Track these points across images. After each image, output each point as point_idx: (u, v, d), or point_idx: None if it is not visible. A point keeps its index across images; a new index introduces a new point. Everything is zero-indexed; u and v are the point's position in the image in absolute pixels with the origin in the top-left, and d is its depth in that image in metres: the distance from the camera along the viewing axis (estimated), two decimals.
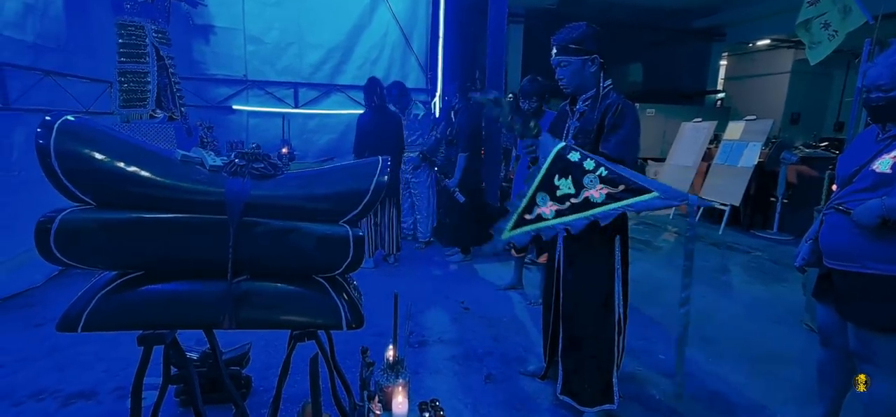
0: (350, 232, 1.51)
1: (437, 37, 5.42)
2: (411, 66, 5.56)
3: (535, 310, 3.07)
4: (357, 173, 1.59)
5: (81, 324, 1.37)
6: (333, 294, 1.57)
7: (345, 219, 1.54)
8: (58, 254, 1.30)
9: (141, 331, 1.49)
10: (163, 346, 1.57)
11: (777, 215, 5.68)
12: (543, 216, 1.77)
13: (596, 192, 1.68)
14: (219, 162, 1.52)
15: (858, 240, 1.56)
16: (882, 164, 1.54)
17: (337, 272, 1.54)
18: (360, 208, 1.54)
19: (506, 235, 1.86)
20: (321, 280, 1.57)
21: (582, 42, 1.80)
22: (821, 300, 1.82)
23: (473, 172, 4.26)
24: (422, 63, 5.56)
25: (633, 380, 2.34)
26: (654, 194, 1.63)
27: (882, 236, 1.51)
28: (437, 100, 5.48)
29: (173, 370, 1.76)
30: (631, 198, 1.65)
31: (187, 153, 1.50)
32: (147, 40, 3.66)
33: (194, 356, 1.96)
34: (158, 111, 3.78)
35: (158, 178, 1.38)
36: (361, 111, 4.09)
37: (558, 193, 1.74)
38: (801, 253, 1.84)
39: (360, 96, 5.28)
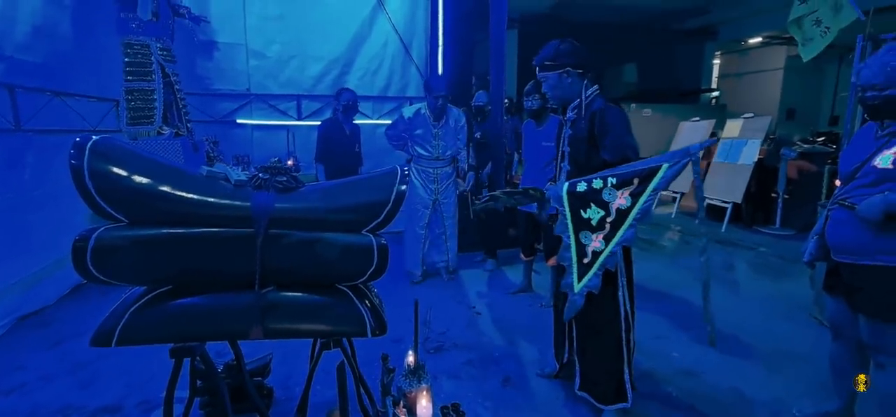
0: (374, 241, 1.54)
1: (437, 45, 5.48)
2: (412, 75, 5.61)
3: (546, 312, 3.10)
4: (377, 184, 1.62)
5: (115, 339, 1.40)
6: (357, 302, 1.60)
7: (367, 229, 1.58)
8: (94, 272, 1.33)
9: (171, 344, 1.52)
10: (190, 359, 1.60)
11: (779, 211, 5.73)
12: (597, 250, 1.86)
13: (621, 200, 1.78)
14: (243, 176, 1.56)
15: (864, 234, 1.61)
16: (883, 160, 1.58)
17: (360, 280, 1.58)
18: (381, 217, 1.57)
19: (577, 288, 1.92)
20: (344, 288, 1.61)
21: (555, 58, 1.98)
22: (831, 293, 1.86)
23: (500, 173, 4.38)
24: (422, 72, 5.61)
25: (650, 378, 2.37)
26: (665, 166, 1.75)
27: (887, 229, 1.55)
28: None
29: (198, 382, 1.79)
30: (650, 183, 1.76)
31: (212, 169, 1.54)
32: (153, 58, 3.70)
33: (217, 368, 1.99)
34: (165, 127, 3.81)
35: (187, 195, 1.41)
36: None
37: (594, 223, 1.85)
38: (808, 248, 1.88)
39: (363, 107, 5.36)
